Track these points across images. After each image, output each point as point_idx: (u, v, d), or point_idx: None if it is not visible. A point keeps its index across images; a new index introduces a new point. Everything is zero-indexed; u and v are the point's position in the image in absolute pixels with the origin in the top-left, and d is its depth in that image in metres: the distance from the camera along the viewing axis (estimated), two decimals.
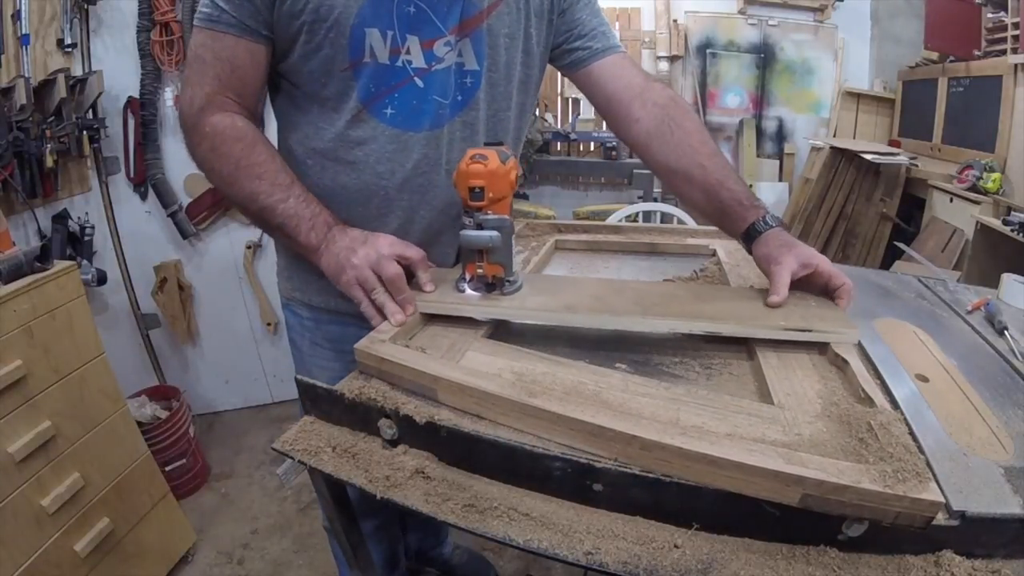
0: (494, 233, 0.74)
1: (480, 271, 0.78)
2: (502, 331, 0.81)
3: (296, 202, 0.82)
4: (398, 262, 0.78)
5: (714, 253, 1.12)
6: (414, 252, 0.81)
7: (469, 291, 0.80)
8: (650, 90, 0.96)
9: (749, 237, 0.84)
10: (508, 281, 0.80)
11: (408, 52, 0.83)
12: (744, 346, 0.76)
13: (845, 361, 0.66)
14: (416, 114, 0.86)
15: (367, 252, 0.78)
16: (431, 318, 0.80)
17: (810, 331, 0.71)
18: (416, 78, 0.84)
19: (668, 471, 0.53)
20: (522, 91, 0.96)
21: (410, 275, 0.81)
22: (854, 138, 2.94)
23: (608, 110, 1.00)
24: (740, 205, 0.86)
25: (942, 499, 0.47)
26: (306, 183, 0.88)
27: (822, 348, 0.72)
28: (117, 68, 2.02)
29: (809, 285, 0.78)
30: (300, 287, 1.00)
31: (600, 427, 0.55)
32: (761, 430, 0.56)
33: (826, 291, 0.78)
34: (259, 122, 0.90)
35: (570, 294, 0.81)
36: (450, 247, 0.99)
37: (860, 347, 0.74)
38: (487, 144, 0.76)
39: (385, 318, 0.76)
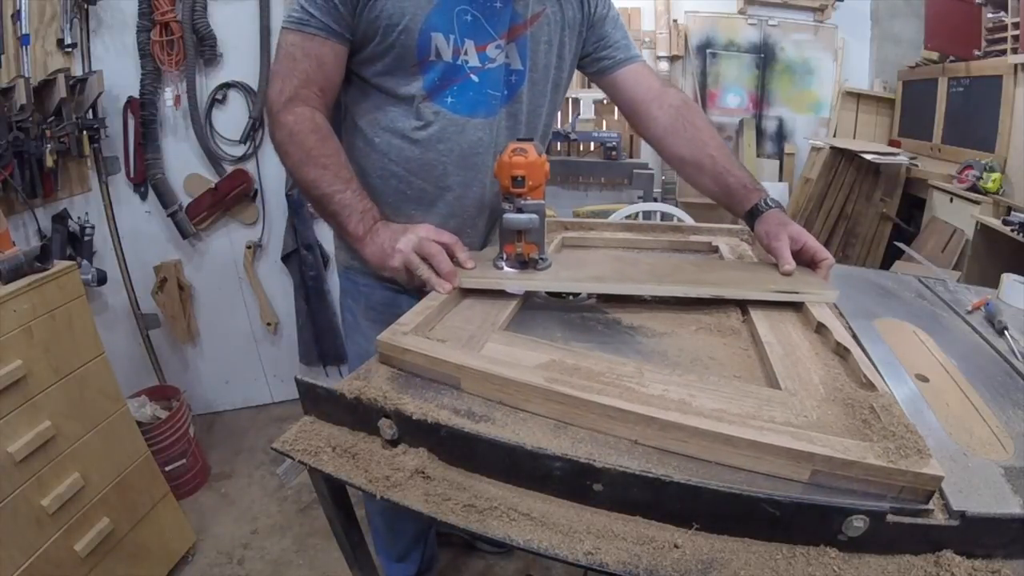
0: (533, 215, 0.85)
1: (518, 250, 0.88)
2: (526, 314, 0.88)
3: (352, 195, 0.92)
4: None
5: (716, 249, 1.12)
6: (449, 237, 0.91)
7: (506, 268, 0.90)
8: (666, 94, 1.13)
9: (751, 216, 0.99)
10: (541, 259, 0.90)
11: (466, 54, 0.97)
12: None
13: (847, 349, 0.69)
14: (472, 103, 1.00)
15: (408, 238, 0.88)
16: (467, 293, 0.87)
17: (796, 292, 0.84)
18: (472, 75, 0.98)
19: (685, 451, 0.56)
20: (554, 91, 1.11)
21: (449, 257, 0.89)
22: (854, 138, 2.94)
23: (630, 110, 1.16)
24: (744, 188, 1.01)
25: (942, 473, 0.48)
26: (374, 157, 1.03)
27: (824, 333, 0.76)
28: (117, 68, 2.02)
29: (798, 259, 0.91)
30: (357, 258, 1.11)
31: (621, 410, 0.57)
32: (771, 413, 0.59)
33: (812, 264, 0.92)
34: (331, 117, 1.01)
35: (594, 268, 0.93)
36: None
37: (860, 346, 0.74)
38: (520, 140, 0.85)
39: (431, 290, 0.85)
